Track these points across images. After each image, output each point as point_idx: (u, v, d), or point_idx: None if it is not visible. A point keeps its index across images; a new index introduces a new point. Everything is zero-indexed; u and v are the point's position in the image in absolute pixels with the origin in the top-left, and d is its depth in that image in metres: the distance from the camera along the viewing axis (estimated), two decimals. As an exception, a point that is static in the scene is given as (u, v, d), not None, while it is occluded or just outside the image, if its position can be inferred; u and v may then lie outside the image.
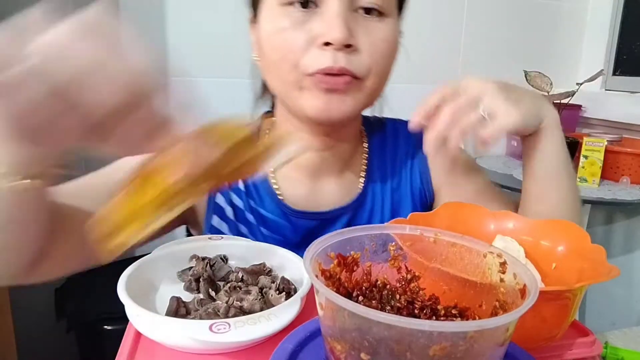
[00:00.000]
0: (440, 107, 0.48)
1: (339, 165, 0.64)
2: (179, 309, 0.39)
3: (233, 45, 1.48)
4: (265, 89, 0.68)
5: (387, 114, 0.69)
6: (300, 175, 0.63)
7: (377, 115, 0.69)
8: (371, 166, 0.66)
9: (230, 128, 0.32)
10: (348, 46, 0.50)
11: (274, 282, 0.43)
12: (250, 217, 0.62)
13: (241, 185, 0.62)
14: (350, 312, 0.25)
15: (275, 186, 0.62)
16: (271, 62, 0.54)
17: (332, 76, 0.50)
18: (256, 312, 0.37)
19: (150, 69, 0.29)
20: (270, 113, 0.68)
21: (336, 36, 0.49)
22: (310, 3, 0.51)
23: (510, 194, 1.43)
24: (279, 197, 0.62)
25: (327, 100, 0.52)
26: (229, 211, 0.61)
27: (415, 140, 0.67)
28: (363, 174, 0.65)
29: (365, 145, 0.67)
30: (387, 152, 0.67)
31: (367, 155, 0.66)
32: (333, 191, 0.63)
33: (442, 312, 0.33)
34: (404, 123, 0.69)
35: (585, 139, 1.37)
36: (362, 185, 0.64)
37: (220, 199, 0.61)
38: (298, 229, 0.61)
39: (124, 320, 0.38)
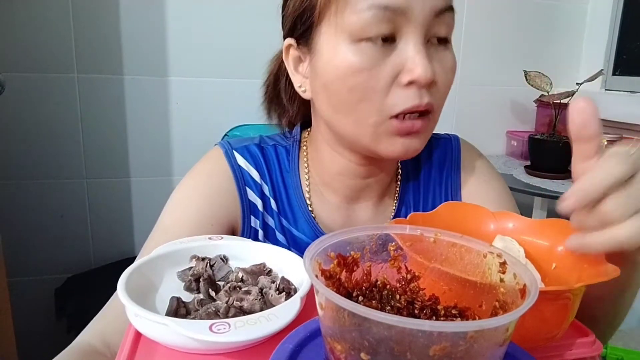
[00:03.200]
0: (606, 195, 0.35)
1: (379, 191, 0.63)
2: (179, 309, 0.39)
3: (233, 46, 1.48)
4: (272, 104, 0.67)
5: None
6: (338, 200, 0.62)
7: None
8: (405, 189, 0.65)
9: None
10: (432, 82, 0.49)
11: (274, 282, 0.43)
12: (281, 237, 0.61)
13: (273, 204, 0.61)
14: (350, 312, 0.25)
15: (310, 208, 0.62)
16: (346, 102, 0.51)
17: (414, 119, 0.50)
18: (256, 312, 0.37)
19: None
20: (306, 125, 0.66)
21: (421, 74, 0.47)
22: (388, 39, 0.49)
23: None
24: (314, 220, 0.61)
25: (406, 144, 0.52)
26: (261, 234, 0.61)
27: (449, 163, 0.66)
28: (397, 196, 0.64)
29: (400, 167, 0.66)
30: (421, 175, 0.66)
31: (400, 178, 0.65)
32: (368, 217, 0.63)
33: (442, 312, 0.33)
34: (440, 141, 0.68)
35: (585, 139, 1.37)
36: (395, 209, 0.64)
37: (255, 222, 0.60)
38: None
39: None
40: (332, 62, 0.50)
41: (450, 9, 0.50)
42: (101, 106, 1.40)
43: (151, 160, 1.47)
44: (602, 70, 1.53)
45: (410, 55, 0.48)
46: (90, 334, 0.51)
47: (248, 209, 0.60)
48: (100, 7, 1.34)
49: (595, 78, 1.47)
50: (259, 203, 0.60)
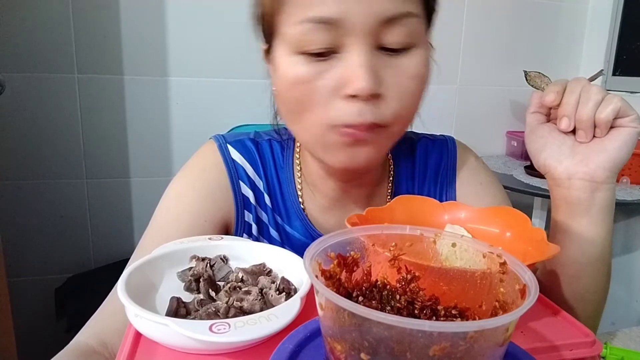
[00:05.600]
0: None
1: (366, 193, 0.63)
2: (179, 309, 0.39)
3: (233, 46, 1.48)
4: None
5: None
6: (326, 201, 0.62)
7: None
8: (398, 191, 0.65)
9: None
10: (375, 95, 0.46)
11: (274, 283, 0.43)
12: (274, 233, 0.61)
13: (267, 200, 0.61)
14: (350, 313, 0.25)
15: (302, 206, 0.62)
16: (293, 112, 0.50)
17: (358, 129, 0.47)
18: (256, 312, 0.37)
19: None
20: None
21: (361, 87, 0.45)
22: (328, 52, 0.46)
23: (510, 194, 1.43)
24: (307, 218, 0.61)
25: (352, 154, 0.49)
26: (254, 228, 0.61)
27: (444, 165, 0.66)
28: (388, 198, 0.64)
29: (392, 166, 0.65)
30: (416, 176, 0.66)
31: (392, 179, 0.65)
32: None
33: (442, 312, 0.33)
34: (436, 142, 0.68)
35: (585, 139, 1.37)
36: None
37: (248, 217, 0.60)
38: None
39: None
40: (280, 71, 0.49)
41: (406, 15, 0.46)
42: (101, 106, 1.40)
43: (151, 160, 1.47)
44: (602, 70, 1.53)
45: (351, 68, 0.45)
46: (87, 333, 0.51)
47: (242, 203, 0.60)
48: (100, 7, 1.34)
49: (596, 78, 1.46)
50: (251, 197, 0.60)
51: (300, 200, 0.62)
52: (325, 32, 0.45)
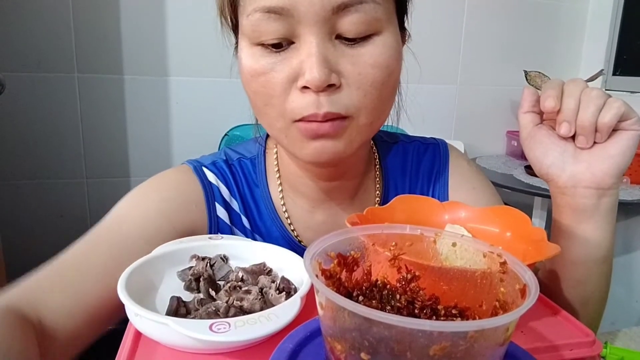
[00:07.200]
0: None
1: (349, 192, 0.61)
2: (179, 309, 0.39)
3: (233, 45, 1.48)
4: None
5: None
6: (309, 204, 0.61)
7: (394, 120, 0.63)
8: (387, 189, 0.64)
9: None
10: (330, 85, 0.45)
11: (274, 282, 0.43)
12: None
13: (245, 221, 0.60)
14: (350, 312, 0.25)
15: (286, 215, 0.60)
16: (256, 106, 0.50)
17: (318, 122, 0.46)
18: (256, 311, 0.37)
19: None
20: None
21: (312, 77, 0.43)
22: (284, 43, 0.45)
23: (510, 194, 1.43)
24: (287, 230, 0.60)
25: (318, 147, 0.48)
26: None
27: (437, 169, 0.65)
28: (378, 199, 0.63)
29: (378, 167, 0.64)
30: (407, 180, 0.65)
31: (380, 179, 0.64)
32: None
33: (442, 312, 0.33)
34: (428, 147, 0.67)
35: (585, 139, 1.37)
36: None
37: None
38: None
39: (124, 320, 0.38)
40: (241, 65, 0.49)
41: (360, 1, 0.44)
42: (101, 106, 1.40)
43: (151, 160, 1.47)
44: (602, 70, 1.53)
45: (303, 58, 0.44)
46: (25, 297, 0.45)
47: (216, 225, 0.58)
48: (100, 7, 1.34)
49: (596, 78, 1.47)
50: (227, 218, 0.59)
51: (281, 211, 0.60)
52: (277, 22, 0.44)
